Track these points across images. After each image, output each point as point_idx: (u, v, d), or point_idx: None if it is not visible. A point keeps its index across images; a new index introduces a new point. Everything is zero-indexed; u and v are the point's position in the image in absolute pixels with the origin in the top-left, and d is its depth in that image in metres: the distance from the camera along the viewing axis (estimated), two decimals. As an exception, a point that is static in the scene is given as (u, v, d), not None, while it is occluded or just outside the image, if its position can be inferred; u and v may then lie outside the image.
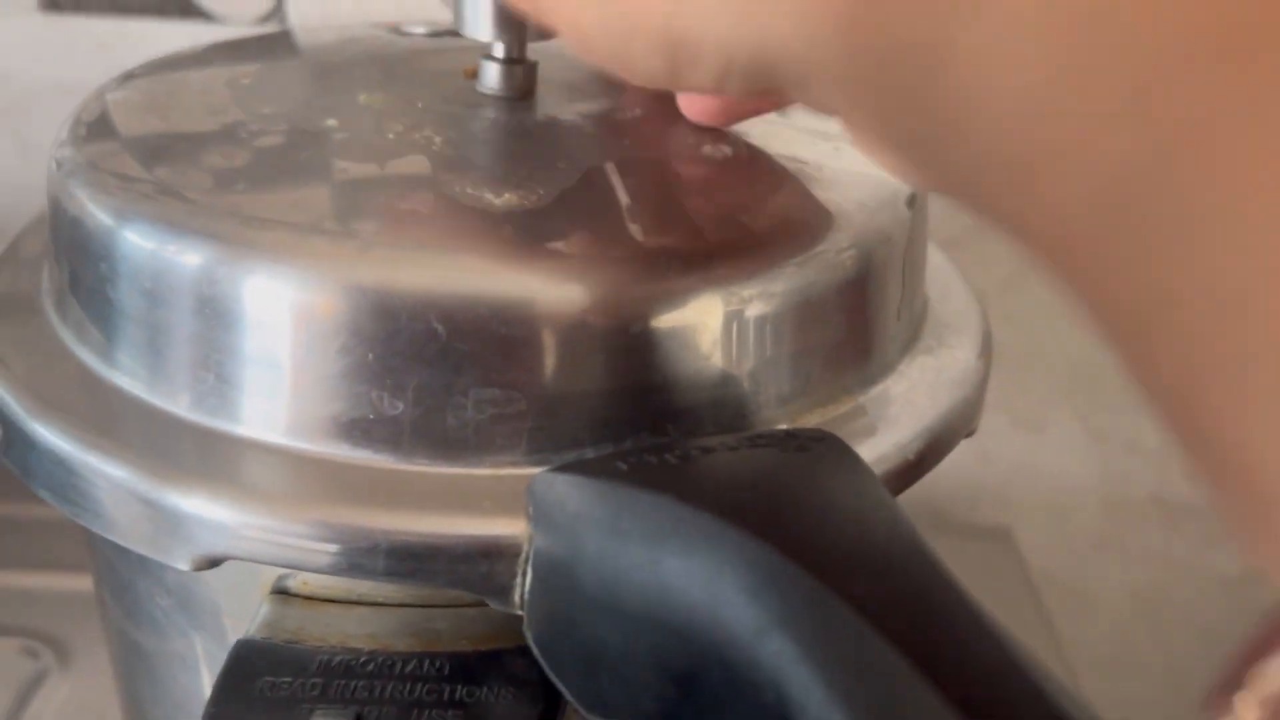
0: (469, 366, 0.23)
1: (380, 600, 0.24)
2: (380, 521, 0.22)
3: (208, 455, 0.23)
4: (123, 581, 0.29)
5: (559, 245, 0.24)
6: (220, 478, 0.23)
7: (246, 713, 0.22)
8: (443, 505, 0.22)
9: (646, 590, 0.19)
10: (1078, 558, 0.58)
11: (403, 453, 0.23)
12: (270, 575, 0.25)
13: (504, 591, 0.22)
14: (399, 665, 0.22)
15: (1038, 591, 0.52)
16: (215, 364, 0.24)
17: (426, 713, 0.21)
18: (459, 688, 0.22)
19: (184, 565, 0.23)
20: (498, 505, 0.22)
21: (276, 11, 0.47)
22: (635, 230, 0.25)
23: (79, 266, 0.26)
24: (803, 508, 0.20)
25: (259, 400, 0.24)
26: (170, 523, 0.23)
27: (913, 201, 0.28)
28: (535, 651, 0.21)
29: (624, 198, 0.26)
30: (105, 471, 0.23)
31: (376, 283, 0.23)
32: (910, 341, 0.29)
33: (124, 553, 0.28)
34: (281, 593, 0.24)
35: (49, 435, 0.24)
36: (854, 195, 0.28)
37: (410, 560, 0.22)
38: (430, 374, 0.23)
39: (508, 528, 0.22)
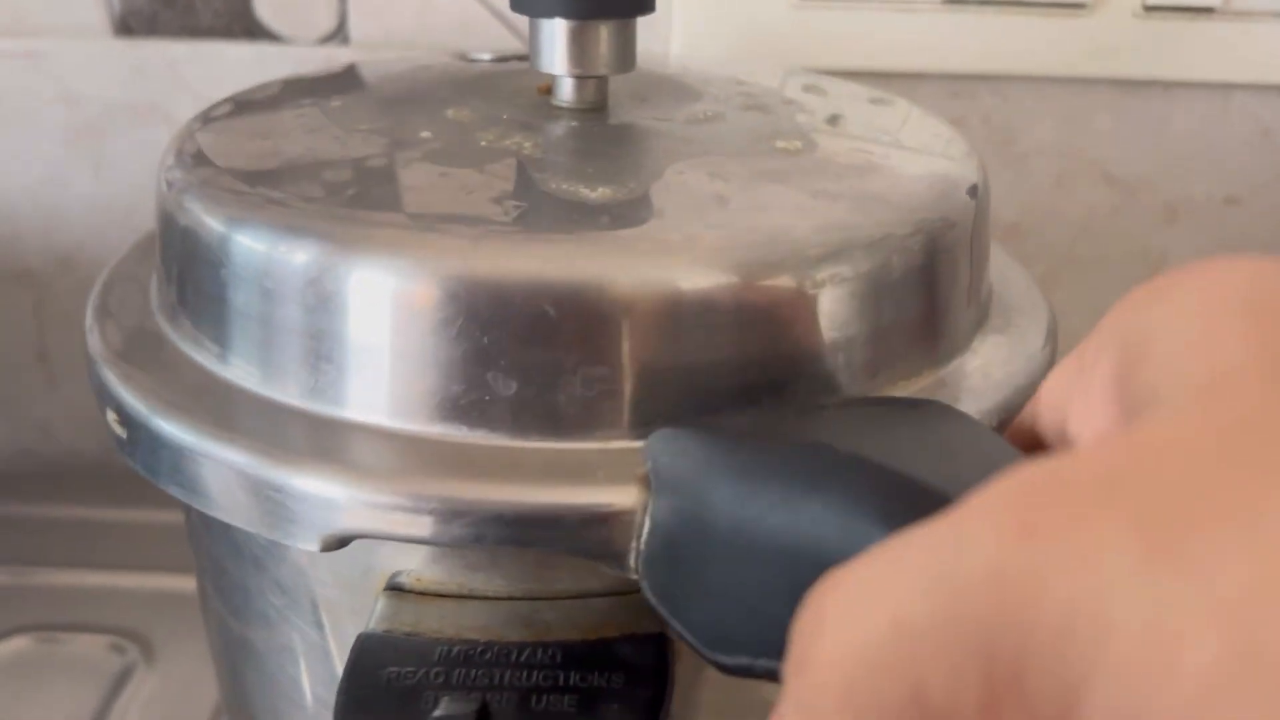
0: (577, 346, 0.24)
1: (490, 594, 0.26)
2: (501, 494, 0.23)
3: (329, 441, 0.25)
4: (233, 581, 0.31)
5: (654, 232, 0.26)
6: (344, 460, 0.24)
7: (377, 701, 0.23)
8: (558, 477, 0.24)
9: (780, 530, 0.20)
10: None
11: (516, 430, 0.25)
12: (384, 572, 0.26)
13: (619, 555, 0.23)
14: (514, 654, 0.24)
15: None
16: (334, 355, 0.25)
17: (545, 697, 0.23)
18: (572, 674, 0.24)
19: (313, 546, 0.24)
20: (609, 475, 0.24)
21: (339, 32, 0.49)
22: (723, 217, 0.26)
23: (192, 275, 0.28)
24: (928, 447, 0.21)
25: (377, 387, 0.25)
26: (298, 506, 0.24)
27: (974, 191, 0.30)
28: (653, 603, 0.22)
29: (708, 189, 0.27)
30: (230, 460, 0.25)
31: (491, 270, 0.24)
32: (980, 321, 0.31)
33: (236, 553, 0.30)
34: (395, 589, 0.26)
35: (174, 431, 0.26)
36: (920, 184, 0.29)
37: (531, 528, 0.23)
38: (542, 354, 0.24)
39: (620, 496, 0.23)
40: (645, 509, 0.23)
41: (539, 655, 0.24)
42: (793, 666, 0.16)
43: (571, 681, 0.24)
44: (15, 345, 0.56)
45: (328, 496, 0.24)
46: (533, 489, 0.23)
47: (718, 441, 0.22)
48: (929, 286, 0.28)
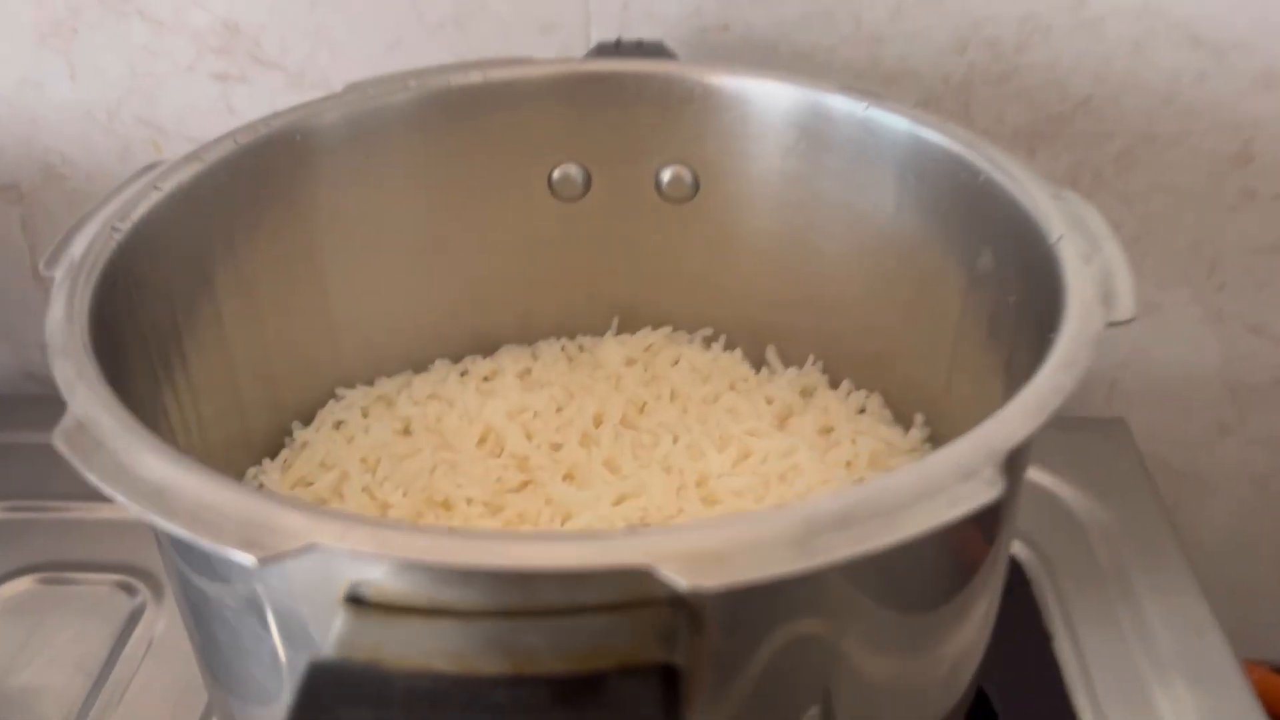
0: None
1: (464, 609, 0.22)
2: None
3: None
4: (196, 589, 0.28)
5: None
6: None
7: (327, 754, 0.20)
8: None
9: None
10: (1194, 444, 0.55)
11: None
12: (342, 582, 0.23)
13: None
14: (490, 693, 0.21)
15: (1153, 478, 0.49)
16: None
17: (526, 754, 0.20)
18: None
19: None
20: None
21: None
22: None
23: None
24: None
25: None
26: None
27: None
28: None
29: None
30: None
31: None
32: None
33: (192, 560, 0.27)
34: (355, 601, 0.23)
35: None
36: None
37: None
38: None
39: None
40: None
41: (521, 694, 0.21)
42: None
43: (559, 729, 0.20)
44: (8, 264, 0.53)
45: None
46: None
47: None
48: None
